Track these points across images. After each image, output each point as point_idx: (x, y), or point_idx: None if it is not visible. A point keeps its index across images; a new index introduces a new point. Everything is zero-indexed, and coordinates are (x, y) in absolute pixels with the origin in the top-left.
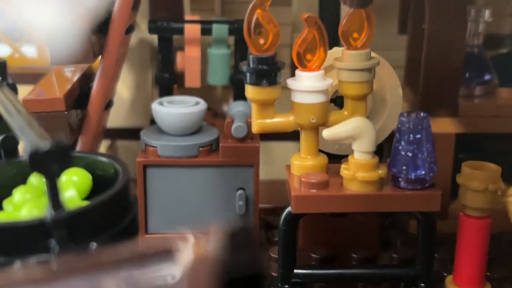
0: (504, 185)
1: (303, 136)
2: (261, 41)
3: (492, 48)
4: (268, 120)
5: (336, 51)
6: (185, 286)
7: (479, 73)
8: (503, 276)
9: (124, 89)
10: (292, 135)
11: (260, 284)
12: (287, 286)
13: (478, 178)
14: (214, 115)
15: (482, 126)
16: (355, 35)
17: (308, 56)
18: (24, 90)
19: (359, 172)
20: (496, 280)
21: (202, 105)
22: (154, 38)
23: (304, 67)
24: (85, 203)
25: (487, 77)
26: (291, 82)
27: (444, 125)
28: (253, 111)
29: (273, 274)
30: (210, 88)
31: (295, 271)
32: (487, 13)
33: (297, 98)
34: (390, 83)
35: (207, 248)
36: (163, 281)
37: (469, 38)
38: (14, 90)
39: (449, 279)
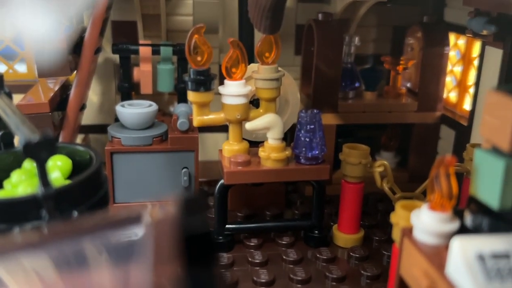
0: (371, 160)
1: (231, 128)
2: (199, 58)
3: (360, 64)
4: (205, 117)
5: (253, 66)
6: (149, 240)
7: (351, 81)
8: (371, 224)
9: (94, 95)
10: (221, 128)
11: (210, 240)
12: (221, 237)
13: (354, 155)
14: (163, 114)
15: (354, 119)
16: (267, 54)
17: (233, 70)
18: (17, 98)
19: (272, 153)
20: (367, 227)
21: (154, 106)
22: (116, 57)
23: (231, 78)
24: (68, 182)
25: (356, 84)
26: (221, 89)
27: (328, 119)
28: (194, 110)
29: (211, 229)
30: (160, 94)
31: (227, 226)
32: (357, 39)
33: (226, 100)
34: (291, 89)
35: (166, 212)
36: (129, 238)
37: (345, 57)
38: (10, 97)
39: (335, 227)
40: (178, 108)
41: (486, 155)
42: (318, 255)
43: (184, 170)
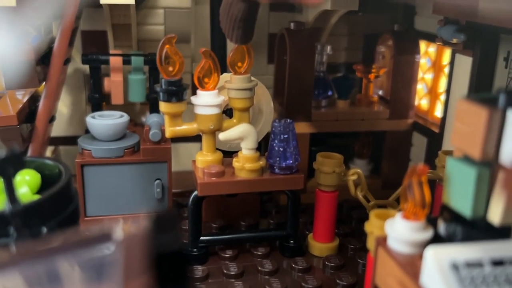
0: (345, 169)
1: (204, 138)
2: (170, 68)
3: (332, 73)
4: (178, 128)
5: (226, 76)
6: (120, 257)
7: (324, 90)
8: (346, 232)
9: (63, 107)
10: (195, 138)
11: (183, 258)
12: (195, 249)
13: (327, 164)
14: (135, 125)
15: (327, 127)
16: (239, 64)
17: (206, 80)
18: None
19: (246, 163)
20: (342, 235)
21: (125, 117)
22: (86, 67)
23: (203, 88)
24: (36, 197)
25: (329, 93)
26: (194, 99)
27: (302, 128)
28: (166, 121)
29: (185, 241)
30: (131, 104)
31: (201, 238)
32: (329, 48)
33: (199, 110)
34: (265, 99)
35: (137, 228)
36: (101, 254)
37: (317, 65)
38: None
39: (310, 236)
40: (150, 119)
41: (457, 164)
42: (293, 265)
43: (157, 181)
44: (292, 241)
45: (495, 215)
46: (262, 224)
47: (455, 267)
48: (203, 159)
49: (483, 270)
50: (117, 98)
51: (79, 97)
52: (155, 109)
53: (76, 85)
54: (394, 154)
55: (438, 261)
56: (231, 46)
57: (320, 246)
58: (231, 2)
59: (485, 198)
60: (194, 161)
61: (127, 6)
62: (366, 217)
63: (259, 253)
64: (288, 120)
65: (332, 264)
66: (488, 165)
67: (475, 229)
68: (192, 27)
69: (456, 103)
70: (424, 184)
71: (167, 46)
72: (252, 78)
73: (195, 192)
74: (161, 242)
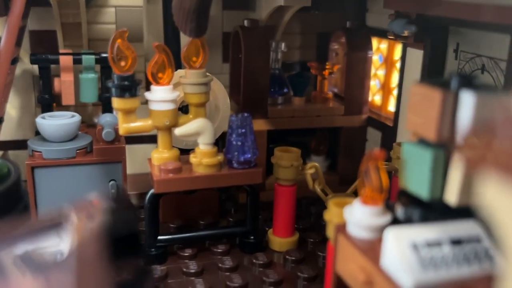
0: (302, 163)
1: (160, 135)
2: (122, 63)
3: (287, 71)
4: (132, 124)
5: (181, 72)
6: (72, 243)
7: (280, 87)
8: (305, 226)
9: (12, 109)
10: (150, 139)
11: (138, 240)
12: (153, 249)
13: (285, 158)
14: (87, 126)
15: (284, 124)
16: (194, 58)
17: (160, 75)
18: None
19: (204, 158)
20: (301, 230)
21: (77, 117)
22: (35, 68)
23: (157, 83)
24: None
25: (285, 90)
26: (148, 95)
27: (259, 125)
28: (119, 118)
29: (142, 242)
30: (83, 105)
31: (159, 237)
32: (283, 45)
33: (154, 106)
34: (221, 95)
35: (90, 217)
36: (53, 257)
37: (272, 63)
38: None
39: (270, 231)
40: (103, 118)
41: (413, 148)
42: (254, 261)
43: (112, 182)
44: (252, 237)
45: (451, 195)
46: (221, 223)
47: (415, 247)
48: (159, 156)
49: (442, 250)
50: (68, 98)
51: (28, 99)
52: (107, 109)
53: (25, 87)
54: (349, 150)
55: (398, 242)
56: (185, 43)
57: (280, 241)
58: None
59: (442, 180)
60: (150, 159)
61: (76, 5)
62: (324, 212)
63: (219, 250)
64: (245, 114)
65: (293, 258)
66: (443, 147)
67: (433, 210)
68: (144, 26)
69: (408, 96)
70: (381, 169)
71: (119, 40)
72: (207, 73)
73: (152, 190)
74: (115, 227)
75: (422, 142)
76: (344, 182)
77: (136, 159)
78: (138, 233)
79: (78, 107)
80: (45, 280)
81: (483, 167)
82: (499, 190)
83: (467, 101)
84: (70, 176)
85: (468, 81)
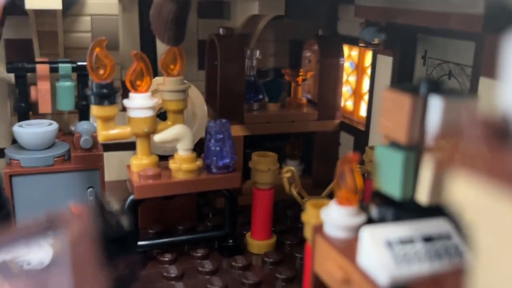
0: (279, 167)
1: (139, 142)
2: (101, 71)
3: (262, 77)
4: (111, 131)
5: (159, 79)
6: (67, 246)
7: (255, 94)
8: (283, 229)
9: None
10: (128, 146)
11: (131, 240)
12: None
13: (263, 162)
14: (64, 134)
15: (260, 129)
16: (172, 66)
17: (138, 83)
18: None
19: (183, 164)
20: (278, 232)
21: (54, 125)
22: (11, 77)
23: (136, 90)
24: None
25: (260, 96)
26: (127, 102)
27: (235, 131)
28: (98, 125)
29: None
30: (60, 113)
31: (139, 243)
32: (257, 53)
33: (133, 113)
34: (198, 102)
35: (80, 221)
36: (19, 267)
37: (247, 70)
38: None
39: (248, 235)
40: (80, 126)
41: (385, 150)
42: (233, 264)
43: (90, 190)
44: (230, 241)
45: (422, 195)
46: (200, 227)
47: (389, 244)
48: (139, 162)
49: (414, 246)
50: (44, 106)
51: (4, 108)
52: (84, 116)
53: (1, 95)
54: (323, 154)
55: (373, 241)
56: (161, 51)
57: (258, 243)
58: (162, 3)
59: (413, 180)
60: (129, 166)
61: (53, 14)
62: (300, 215)
63: (198, 254)
64: (223, 120)
65: (271, 260)
66: (414, 149)
67: (405, 210)
68: (120, 34)
69: (379, 101)
70: (356, 171)
71: (97, 49)
72: (185, 81)
73: (131, 197)
74: (105, 229)
75: (394, 145)
76: (319, 185)
77: (113, 167)
78: (125, 234)
79: (55, 115)
80: (38, 282)
81: (451, 167)
82: (466, 188)
83: (436, 105)
84: (48, 184)
85: (436, 86)
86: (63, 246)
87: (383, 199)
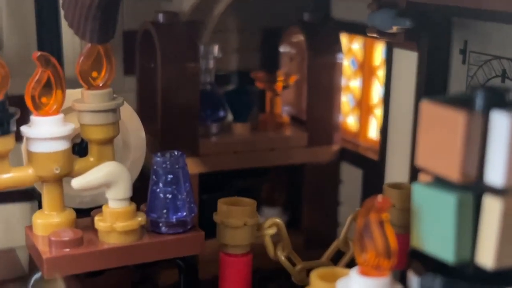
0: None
1: (45, 190)
2: None
3: (222, 85)
4: (4, 176)
5: (74, 93)
6: None
7: (214, 110)
8: None
9: None
10: (21, 196)
11: None
12: None
13: (235, 214)
14: None
15: (222, 164)
16: (95, 74)
17: (44, 100)
18: None
19: (117, 222)
20: None
21: None
22: None
23: (40, 111)
24: None
25: (221, 113)
26: (26, 130)
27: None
28: None
29: None
30: None
31: None
32: (215, 49)
33: (36, 147)
34: (132, 126)
35: None
36: None
37: (202, 75)
38: None
39: None
40: None
41: (429, 191)
42: None
43: None
44: None
45: (486, 256)
46: None
47: None
48: (46, 221)
49: None
50: None
51: None
52: None
53: None
54: (317, 197)
55: None
56: (69, 55)
57: None
58: None
59: (471, 235)
60: (29, 227)
61: None
62: None
63: None
64: (177, 153)
65: None
66: (471, 188)
67: (462, 278)
68: (4, 27)
69: (399, 117)
70: (386, 223)
71: None
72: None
73: (37, 275)
74: None
75: (441, 182)
76: (312, 245)
77: None
78: None
79: None
80: None
81: None
82: None
83: (501, 125)
84: None
85: (499, 97)
86: None
87: (426, 264)
